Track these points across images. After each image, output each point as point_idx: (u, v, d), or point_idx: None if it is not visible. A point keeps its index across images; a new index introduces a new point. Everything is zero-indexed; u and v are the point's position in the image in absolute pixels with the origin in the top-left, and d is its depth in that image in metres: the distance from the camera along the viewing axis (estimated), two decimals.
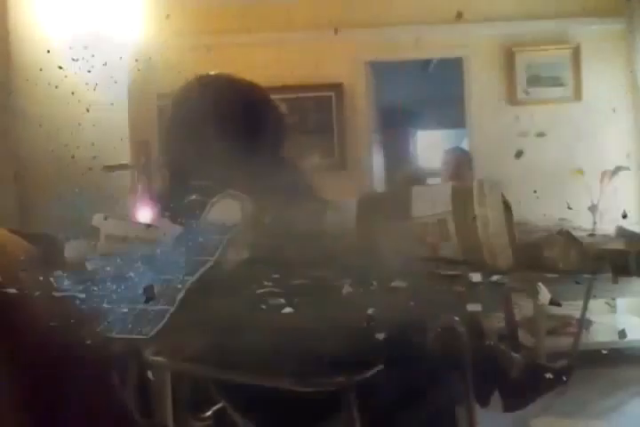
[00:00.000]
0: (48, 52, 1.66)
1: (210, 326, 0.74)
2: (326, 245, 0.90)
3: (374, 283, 0.81)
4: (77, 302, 0.80)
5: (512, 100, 3.73)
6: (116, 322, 0.74)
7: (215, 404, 1.18)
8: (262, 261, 0.94)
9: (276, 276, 0.86)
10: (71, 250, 0.99)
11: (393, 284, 0.80)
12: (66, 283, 0.88)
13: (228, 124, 1.23)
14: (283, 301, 0.78)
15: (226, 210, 0.98)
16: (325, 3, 3.65)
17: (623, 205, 3.40)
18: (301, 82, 3.50)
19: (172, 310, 0.73)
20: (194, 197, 1.02)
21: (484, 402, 1.33)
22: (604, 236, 1.08)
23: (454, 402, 1.28)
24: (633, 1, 3.53)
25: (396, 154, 5.93)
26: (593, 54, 3.68)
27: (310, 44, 3.66)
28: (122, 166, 1.74)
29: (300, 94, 3.40)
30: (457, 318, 1.03)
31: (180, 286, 0.80)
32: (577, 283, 0.83)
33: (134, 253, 0.94)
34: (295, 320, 0.73)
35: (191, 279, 0.79)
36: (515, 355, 1.42)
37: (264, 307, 0.76)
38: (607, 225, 1.18)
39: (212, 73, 1.33)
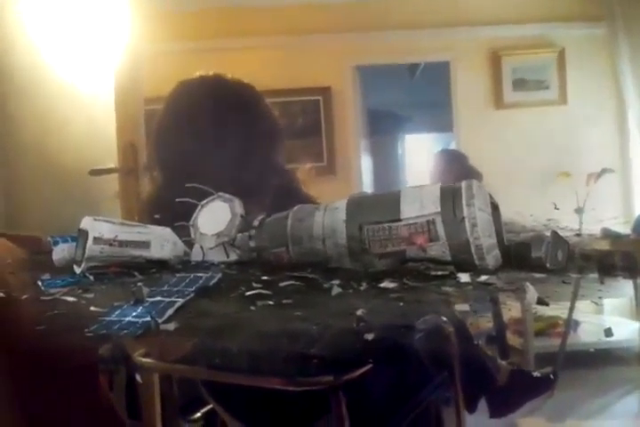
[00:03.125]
0: (35, 54, 1.65)
1: (199, 327, 0.73)
2: (315, 247, 0.90)
3: (363, 284, 0.81)
4: (65, 305, 0.80)
5: (499, 103, 3.76)
6: (104, 327, 0.73)
7: (204, 405, 1.18)
8: (251, 262, 0.94)
9: (265, 278, 0.86)
10: (59, 253, 0.98)
11: (382, 284, 0.80)
12: (53, 286, 0.87)
13: (223, 124, 1.22)
14: (272, 302, 0.77)
15: (215, 212, 0.98)
16: (313, 7, 3.67)
17: (609, 207, 3.44)
18: (289, 85, 3.51)
19: (160, 321, 0.72)
20: (184, 199, 1.01)
21: (472, 408, 1.34)
22: (590, 236, 1.09)
23: (442, 403, 1.29)
24: (615, 6, 3.58)
25: (385, 157, 5.95)
26: (577, 58, 3.72)
27: (298, 47, 3.67)
28: (109, 170, 1.73)
29: (288, 98, 3.41)
30: (445, 319, 1.04)
31: (174, 299, 0.79)
32: (564, 283, 0.84)
33: (124, 256, 0.93)
34: (284, 321, 0.73)
35: (182, 301, 0.78)
36: (501, 362, 1.44)
37: (253, 309, 0.76)
38: (593, 226, 1.19)
39: (210, 73, 1.32)
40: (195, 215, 0.99)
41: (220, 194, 0.99)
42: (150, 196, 1.31)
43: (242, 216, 0.95)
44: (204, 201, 0.99)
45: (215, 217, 0.96)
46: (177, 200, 1.01)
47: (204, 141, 1.20)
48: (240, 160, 1.20)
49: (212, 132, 1.21)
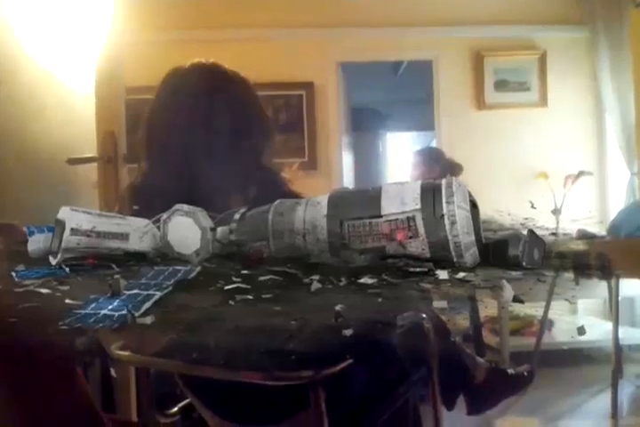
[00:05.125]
0: (14, 42, 1.62)
1: (176, 321, 0.73)
2: (296, 242, 0.90)
3: (343, 279, 0.81)
4: (39, 297, 0.78)
5: (480, 103, 3.79)
6: (79, 320, 0.72)
7: (181, 399, 1.17)
8: (231, 257, 0.94)
9: (245, 272, 0.85)
10: (34, 244, 0.96)
11: (361, 280, 0.80)
12: (27, 277, 0.86)
13: (216, 116, 1.20)
14: (251, 297, 0.77)
15: (181, 229, 0.94)
16: (298, 1, 3.65)
17: (584, 208, 3.50)
18: (272, 79, 3.49)
19: (136, 315, 0.71)
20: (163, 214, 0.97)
21: (451, 405, 1.35)
22: (566, 235, 1.11)
23: (420, 400, 1.30)
24: (596, 12, 3.63)
25: (366, 154, 5.97)
26: (558, 61, 3.77)
27: (282, 41, 3.65)
28: (87, 159, 1.70)
29: (271, 92, 3.39)
30: (424, 315, 1.04)
31: (152, 292, 0.78)
32: (540, 281, 0.85)
33: (102, 247, 0.92)
34: (263, 316, 0.73)
35: (160, 294, 0.77)
36: (479, 359, 1.45)
37: (232, 303, 0.76)
38: (568, 225, 1.21)
39: (208, 61, 1.28)
40: (162, 233, 0.95)
41: (178, 207, 0.95)
42: (133, 186, 1.28)
43: (211, 229, 0.93)
44: (165, 216, 0.95)
45: (184, 234, 0.93)
46: (136, 209, 0.98)
47: (194, 131, 1.18)
48: (227, 155, 1.19)
49: (204, 122, 1.19)
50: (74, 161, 1.65)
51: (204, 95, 1.21)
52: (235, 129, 1.21)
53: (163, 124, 1.23)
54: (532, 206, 1.19)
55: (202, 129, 1.18)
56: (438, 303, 0.78)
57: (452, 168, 3.10)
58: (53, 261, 0.92)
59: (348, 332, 0.69)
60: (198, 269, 0.87)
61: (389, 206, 0.86)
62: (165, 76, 1.27)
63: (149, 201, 1.08)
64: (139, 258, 0.94)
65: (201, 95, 1.21)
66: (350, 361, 0.84)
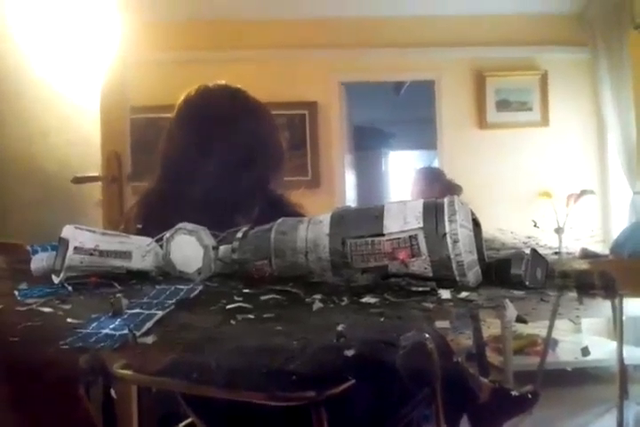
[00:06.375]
0: (21, 61, 1.64)
1: (178, 341, 0.73)
2: (298, 261, 0.90)
3: (345, 299, 0.81)
4: (41, 316, 0.78)
5: (482, 123, 3.81)
6: (81, 339, 0.72)
7: (183, 419, 1.16)
8: (233, 276, 0.94)
9: (247, 291, 0.85)
10: (38, 262, 0.97)
11: (363, 300, 0.80)
12: (30, 296, 0.86)
13: (236, 139, 1.22)
14: (252, 316, 0.77)
15: (184, 247, 0.94)
16: (301, 22, 3.70)
17: (587, 227, 3.49)
18: (276, 99, 3.52)
19: (138, 334, 0.71)
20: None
21: (454, 426, 1.33)
22: (569, 254, 1.11)
23: (423, 420, 1.28)
24: (596, 33, 3.67)
25: (368, 173, 5.98)
26: (560, 81, 3.80)
27: (285, 62, 3.70)
28: (92, 178, 1.71)
29: (274, 111, 3.41)
30: (427, 335, 1.04)
31: (154, 311, 0.78)
32: (543, 301, 0.84)
33: (105, 266, 0.92)
34: (265, 336, 0.73)
35: (162, 313, 0.77)
36: (483, 380, 1.44)
37: (234, 322, 0.75)
38: (571, 244, 1.20)
39: (235, 86, 1.31)
40: (164, 251, 0.95)
41: (181, 226, 0.95)
42: (142, 204, 1.28)
43: (214, 248, 0.93)
44: (168, 234, 0.95)
45: (187, 252, 0.93)
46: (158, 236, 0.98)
47: (209, 150, 1.21)
48: (237, 176, 1.21)
49: (220, 142, 1.21)
50: (79, 180, 1.66)
51: (227, 117, 1.24)
52: (249, 153, 1.23)
53: (181, 138, 1.25)
54: (535, 225, 1.19)
55: (217, 149, 1.21)
56: (441, 323, 0.78)
57: (452, 188, 3.11)
58: (56, 280, 0.92)
59: (349, 352, 0.69)
60: (200, 288, 0.87)
61: (392, 225, 0.86)
62: (190, 93, 1.29)
63: (154, 212, 1.09)
64: (141, 277, 0.94)
65: (223, 117, 1.23)
66: (352, 382, 0.84)
